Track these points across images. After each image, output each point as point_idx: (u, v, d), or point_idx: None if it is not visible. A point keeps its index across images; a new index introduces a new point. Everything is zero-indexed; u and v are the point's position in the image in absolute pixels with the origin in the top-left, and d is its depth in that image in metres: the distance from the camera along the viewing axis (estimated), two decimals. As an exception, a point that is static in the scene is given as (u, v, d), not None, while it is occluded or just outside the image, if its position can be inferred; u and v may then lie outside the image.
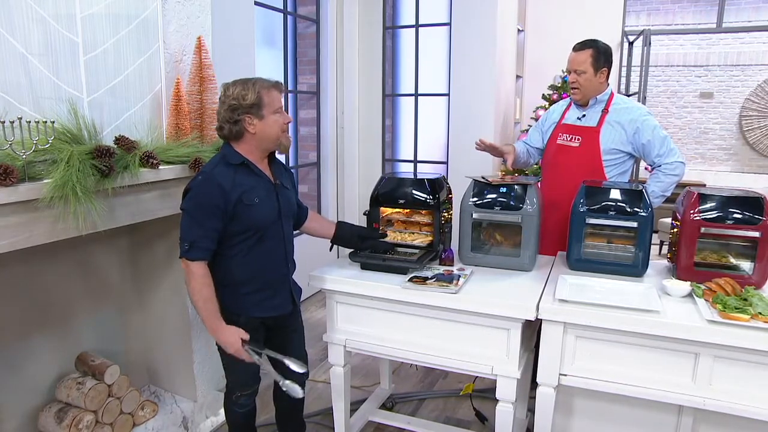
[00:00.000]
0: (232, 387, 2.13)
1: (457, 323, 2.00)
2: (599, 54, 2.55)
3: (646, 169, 2.83)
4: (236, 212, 1.86)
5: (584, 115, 2.66)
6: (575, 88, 2.62)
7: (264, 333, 2.09)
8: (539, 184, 2.48)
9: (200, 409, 2.71)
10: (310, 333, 3.29)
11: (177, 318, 2.69)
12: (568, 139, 2.67)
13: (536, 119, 4.81)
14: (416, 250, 2.29)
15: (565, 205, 2.28)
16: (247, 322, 1.98)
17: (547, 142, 2.81)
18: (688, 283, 1.96)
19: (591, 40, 2.60)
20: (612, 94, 2.63)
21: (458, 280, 2.06)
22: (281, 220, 2.00)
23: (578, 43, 2.61)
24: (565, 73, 4.77)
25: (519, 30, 5.23)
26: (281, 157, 2.22)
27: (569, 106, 2.77)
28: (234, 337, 1.89)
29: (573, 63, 2.59)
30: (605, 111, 2.60)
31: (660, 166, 2.55)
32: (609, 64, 2.59)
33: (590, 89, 2.59)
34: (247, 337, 1.92)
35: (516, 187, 2.21)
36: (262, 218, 1.92)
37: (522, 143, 2.93)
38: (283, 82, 2.06)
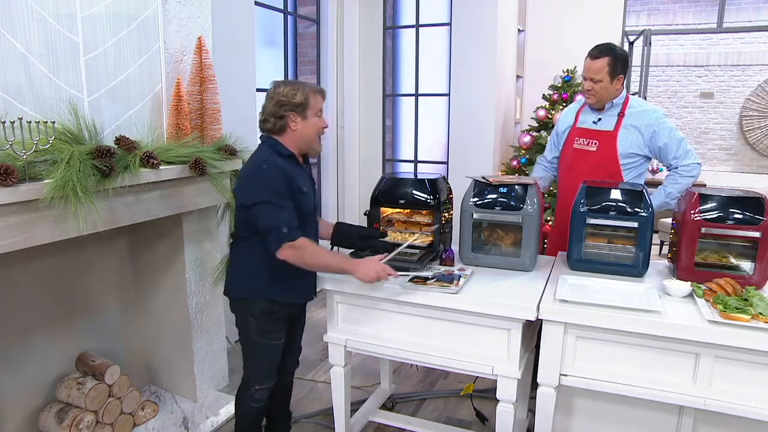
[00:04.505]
0: (251, 380, 2.14)
1: (457, 323, 2.00)
2: (616, 62, 2.50)
3: (649, 170, 2.81)
4: (293, 198, 1.95)
5: (600, 119, 2.62)
6: (591, 95, 2.57)
7: (288, 323, 2.17)
8: (538, 184, 2.47)
9: (200, 409, 2.71)
10: (310, 333, 3.29)
11: (177, 318, 2.69)
12: (585, 143, 2.63)
13: (536, 119, 4.81)
14: (417, 251, 2.29)
15: None
16: (281, 308, 2.07)
17: (563, 146, 2.76)
18: (689, 283, 1.95)
19: (608, 46, 2.53)
20: (627, 97, 2.59)
21: (458, 280, 2.06)
22: (314, 213, 2.12)
23: (595, 49, 2.53)
24: (565, 73, 4.79)
25: (519, 30, 5.23)
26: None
27: (582, 108, 2.71)
28: (377, 264, 1.94)
29: (589, 71, 2.52)
30: (621, 114, 2.56)
31: (677, 168, 2.53)
32: (625, 70, 2.55)
33: (606, 96, 2.56)
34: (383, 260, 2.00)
35: (516, 187, 2.20)
36: (308, 207, 2.04)
37: (541, 168, 2.91)
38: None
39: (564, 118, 2.82)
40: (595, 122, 2.63)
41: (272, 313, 2.05)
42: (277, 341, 2.11)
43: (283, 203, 1.90)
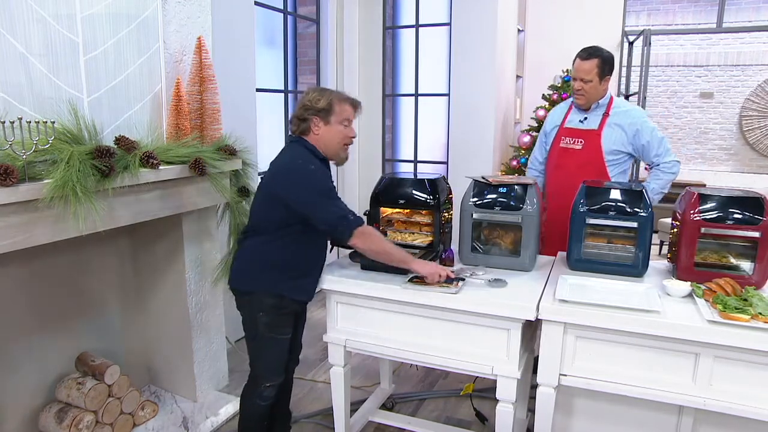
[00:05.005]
0: (259, 377, 2.14)
1: (457, 323, 2.00)
2: (605, 64, 2.65)
3: (645, 169, 2.88)
4: None
5: (586, 119, 2.77)
6: (581, 95, 2.71)
7: (294, 319, 2.19)
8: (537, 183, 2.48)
9: (200, 409, 2.71)
10: (310, 333, 3.29)
11: (177, 318, 2.69)
12: (571, 142, 2.78)
13: (536, 119, 4.81)
14: (416, 251, 2.29)
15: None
16: (289, 303, 2.09)
17: (550, 146, 2.89)
18: (689, 283, 1.96)
19: (596, 48, 2.68)
20: (612, 98, 2.74)
21: (458, 280, 2.06)
22: None
23: (584, 51, 2.68)
24: (565, 73, 4.79)
25: (519, 30, 5.23)
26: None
27: (570, 109, 2.85)
28: (435, 264, 2.08)
29: (579, 71, 2.67)
30: (606, 114, 2.72)
31: (658, 165, 2.69)
32: (612, 71, 2.71)
33: (595, 95, 2.71)
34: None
35: (516, 187, 2.21)
36: None
37: (535, 173, 3.01)
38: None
39: (551, 117, 2.96)
40: (581, 121, 2.78)
41: (281, 308, 2.07)
42: (285, 336, 2.12)
43: (335, 197, 2.00)
